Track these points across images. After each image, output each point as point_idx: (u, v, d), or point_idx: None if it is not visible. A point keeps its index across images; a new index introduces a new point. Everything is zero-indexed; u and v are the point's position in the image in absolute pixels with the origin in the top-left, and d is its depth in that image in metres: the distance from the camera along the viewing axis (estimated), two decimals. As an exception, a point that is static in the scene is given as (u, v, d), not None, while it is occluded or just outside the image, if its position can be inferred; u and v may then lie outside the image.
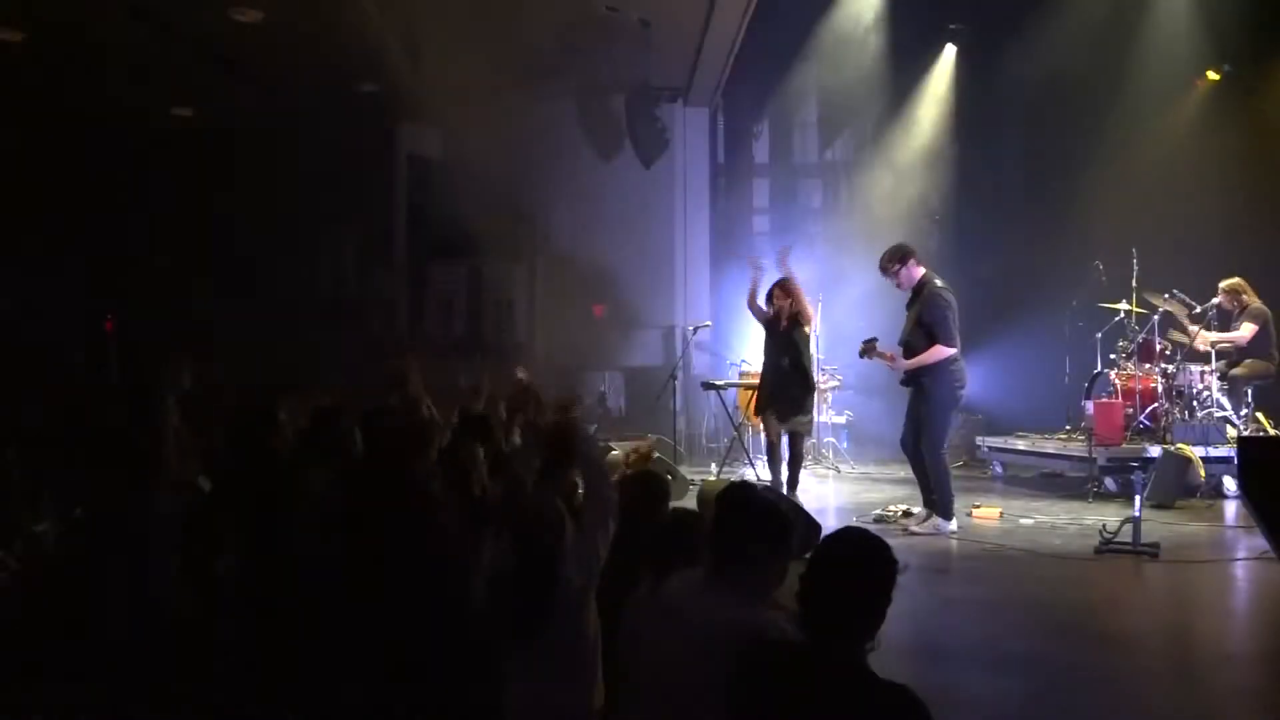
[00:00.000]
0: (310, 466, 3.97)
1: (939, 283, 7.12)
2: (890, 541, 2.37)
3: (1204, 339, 8.80)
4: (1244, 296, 8.97)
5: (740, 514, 2.67)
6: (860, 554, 2.29)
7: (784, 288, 7.85)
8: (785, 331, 7.83)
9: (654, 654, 2.64)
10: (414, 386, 6.89)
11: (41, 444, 4.47)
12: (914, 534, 7.00)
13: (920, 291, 7.10)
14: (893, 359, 7.17)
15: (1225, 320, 9.13)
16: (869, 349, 7.30)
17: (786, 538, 2.64)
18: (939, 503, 7.08)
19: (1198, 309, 8.97)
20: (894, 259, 7.17)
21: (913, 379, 7.12)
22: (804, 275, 8.30)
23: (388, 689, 3.00)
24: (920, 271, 7.16)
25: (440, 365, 9.38)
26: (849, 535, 2.37)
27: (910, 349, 7.08)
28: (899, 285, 7.24)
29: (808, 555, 2.37)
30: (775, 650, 2.30)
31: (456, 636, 3.04)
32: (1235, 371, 8.88)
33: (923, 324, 7.00)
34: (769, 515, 2.67)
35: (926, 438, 7.07)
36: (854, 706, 2.15)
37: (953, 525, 7.04)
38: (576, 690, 2.99)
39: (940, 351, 6.90)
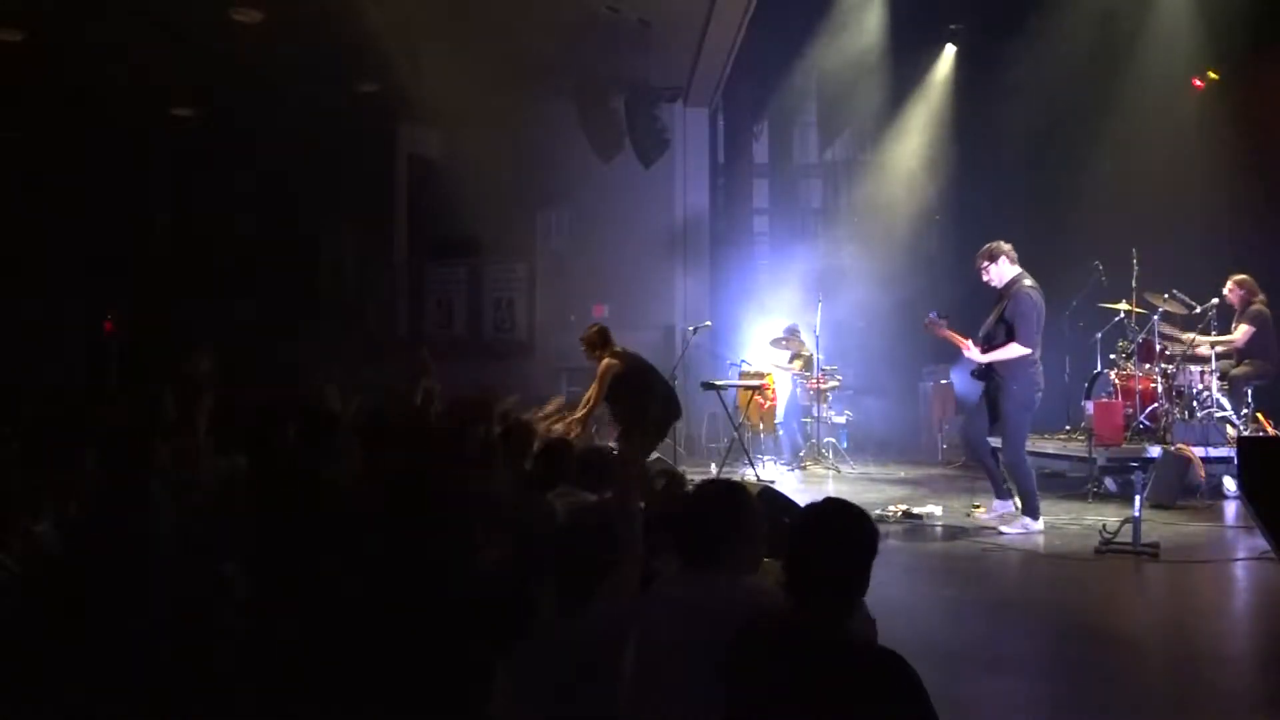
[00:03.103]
0: (315, 468, 3.97)
1: (1029, 282, 7.03)
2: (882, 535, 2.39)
3: (1200, 343, 8.80)
4: (1254, 295, 8.92)
5: (699, 504, 2.76)
6: (840, 521, 2.34)
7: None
8: None
9: (649, 653, 2.65)
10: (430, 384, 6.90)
11: (41, 444, 4.47)
12: (1003, 534, 6.86)
13: (1008, 289, 7.04)
14: (967, 346, 7.09)
15: (1226, 320, 9.10)
16: (933, 325, 7.20)
17: (744, 514, 2.71)
18: (1024, 502, 7.03)
19: (1197, 309, 8.94)
20: (984, 255, 7.14)
21: (987, 374, 7.08)
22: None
23: (384, 690, 3.00)
24: (1014, 270, 7.08)
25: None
26: (829, 504, 2.41)
27: (991, 344, 7.02)
28: (989, 282, 7.16)
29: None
30: (761, 622, 2.33)
31: (453, 639, 3.04)
32: (1235, 371, 8.87)
33: (1005, 320, 6.95)
34: (725, 498, 2.75)
35: (1006, 438, 7.03)
36: (842, 673, 2.17)
37: (1039, 525, 6.95)
38: (560, 695, 3.00)
39: (1016, 349, 6.82)
